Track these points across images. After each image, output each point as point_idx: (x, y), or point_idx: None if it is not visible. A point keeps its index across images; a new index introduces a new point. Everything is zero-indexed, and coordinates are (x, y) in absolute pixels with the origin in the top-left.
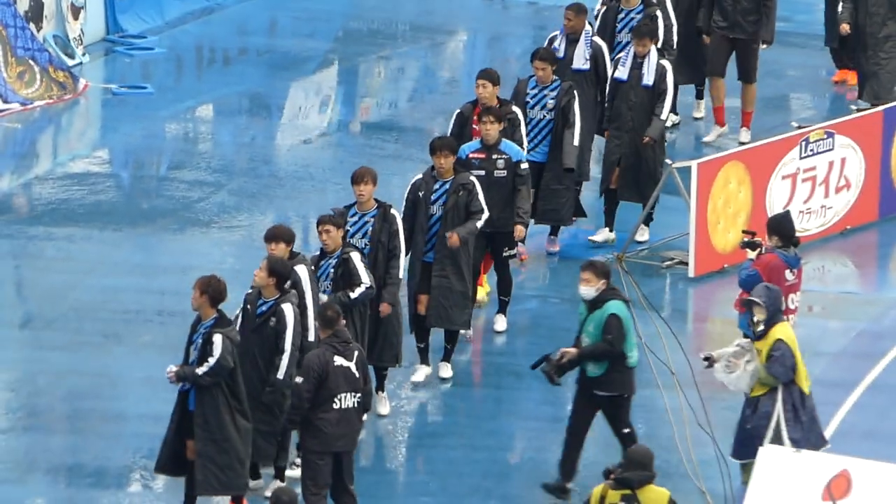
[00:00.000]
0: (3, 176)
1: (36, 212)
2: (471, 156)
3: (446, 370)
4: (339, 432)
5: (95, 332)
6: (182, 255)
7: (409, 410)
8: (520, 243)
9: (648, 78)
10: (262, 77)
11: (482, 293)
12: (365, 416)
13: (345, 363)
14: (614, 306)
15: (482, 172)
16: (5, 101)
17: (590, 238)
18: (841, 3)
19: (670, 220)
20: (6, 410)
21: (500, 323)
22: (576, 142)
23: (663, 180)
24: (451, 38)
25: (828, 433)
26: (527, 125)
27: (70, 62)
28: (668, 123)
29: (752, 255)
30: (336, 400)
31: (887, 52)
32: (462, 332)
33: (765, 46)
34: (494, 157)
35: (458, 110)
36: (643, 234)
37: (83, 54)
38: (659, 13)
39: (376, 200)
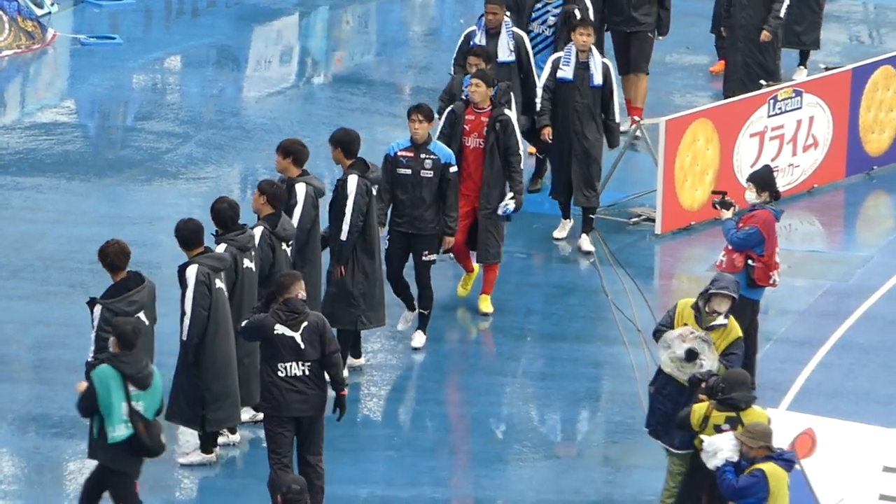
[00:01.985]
0: None
1: (3, 161)
2: (399, 154)
3: (420, 339)
4: (288, 399)
5: (62, 281)
6: (149, 206)
7: (374, 364)
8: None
9: (597, 78)
10: (231, 29)
11: (489, 304)
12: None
13: (288, 332)
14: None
15: (409, 171)
16: None
17: (554, 234)
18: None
19: (638, 176)
20: None
21: (419, 339)
22: (520, 145)
23: (629, 138)
24: None
25: (792, 392)
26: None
27: (39, 12)
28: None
29: (727, 214)
30: (280, 367)
31: (765, 45)
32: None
33: (660, 38)
34: (423, 156)
35: (451, 108)
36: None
37: (52, 4)
38: (577, 10)
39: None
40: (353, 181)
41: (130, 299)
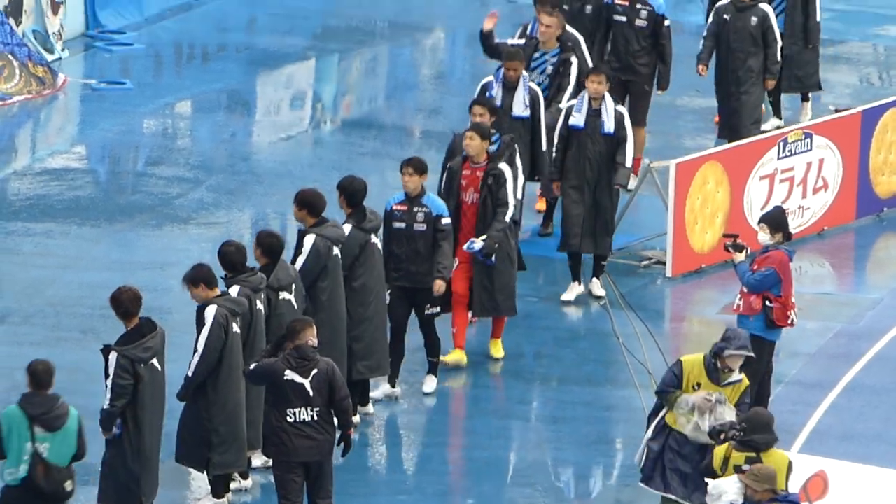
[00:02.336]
0: None
1: (14, 207)
2: (394, 207)
3: (431, 384)
4: (297, 444)
5: (73, 327)
6: (160, 252)
7: (385, 408)
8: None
9: (609, 125)
10: (241, 74)
11: (460, 355)
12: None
13: (297, 379)
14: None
15: (402, 225)
16: None
17: (562, 297)
18: (701, 41)
19: (648, 219)
20: None
21: (430, 384)
22: (520, 195)
23: (640, 180)
24: (429, 36)
25: (804, 434)
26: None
27: (49, 57)
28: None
29: (740, 257)
30: (290, 413)
31: (747, 89)
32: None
33: (660, 92)
34: (416, 209)
35: (449, 164)
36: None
37: (62, 49)
38: (574, 58)
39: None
40: (309, 240)
41: (145, 346)
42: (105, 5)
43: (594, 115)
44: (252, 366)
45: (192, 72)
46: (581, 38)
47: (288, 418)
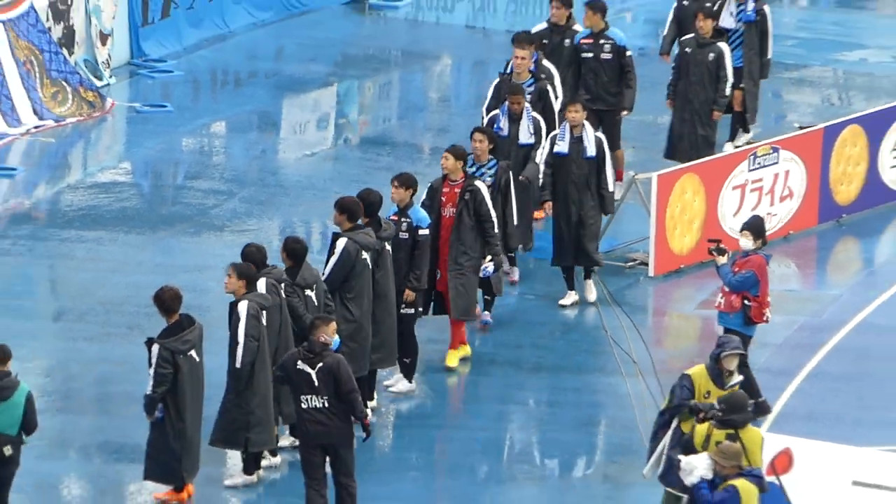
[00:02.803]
0: (39, 185)
1: (68, 217)
2: (390, 218)
3: (401, 384)
4: (312, 429)
5: (121, 324)
6: (198, 256)
7: (399, 396)
8: (514, 267)
9: (591, 150)
10: (270, 97)
11: (455, 358)
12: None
13: (306, 369)
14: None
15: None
16: (41, 118)
17: (560, 303)
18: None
19: (633, 225)
20: (42, 394)
21: (400, 384)
22: (515, 221)
23: (625, 190)
24: (437, 63)
25: (772, 415)
26: None
27: (98, 83)
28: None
29: (722, 260)
30: (302, 399)
31: (703, 119)
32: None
33: (626, 114)
34: (403, 220)
35: (431, 183)
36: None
37: (110, 76)
38: (550, 87)
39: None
40: (341, 243)
41: (184, 339)
42: (148, 37)
43: (576, 141)
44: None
45: (226, 96)
46: (555, 71)
47: (302, 404)
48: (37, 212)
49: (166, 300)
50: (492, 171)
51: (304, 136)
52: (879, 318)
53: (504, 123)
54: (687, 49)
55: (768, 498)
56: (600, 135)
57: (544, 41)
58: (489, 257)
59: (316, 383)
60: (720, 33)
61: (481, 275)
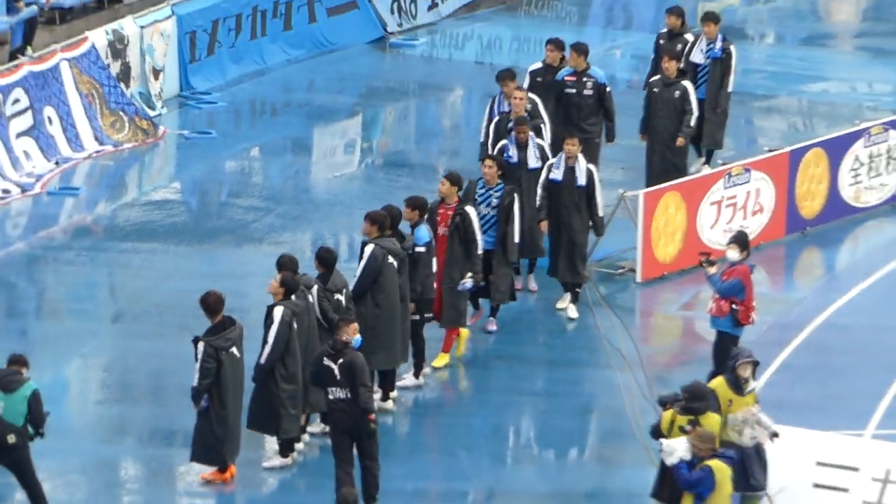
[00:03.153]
0: (99, 203)
1: (125, 231)
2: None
3: (408, 379)
4: (338, 417)
5: (172, 324)
6: (239, 265)
7: (414, 388)
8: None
9: (581, 180)
10: (302, 125)
11: (441, 361)
12: (390, 404)
13: (331, 364)
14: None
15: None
16: (101, 144)
17: (556, 305)
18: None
19: (622, 237)
20: (102, 386)
21: (407, 379)
22: (517, 238)
23: (615, 207)
24: (450, 94)
25: None
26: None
27: (152, 113)
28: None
29: (712, 270)
30: (329, 391)
31: (672, 149)
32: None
33: (610, 143)
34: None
35: (430, 204)
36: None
37: (162, 107)
38: (542, 125)
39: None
40: (369, 248)
41: (226, 336)
42: (195, 72)
43: (569, 171)
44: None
45: (264, 124)
46: (538, 99)
47: (329, 396)
48: (97, 226)
49: (211, 303)
50: (499, 194)
51: (332, 158)
52: (840, 317)
53: (513, 151)
54: (655, 89)
55: None
56: (592, 167)
57: (538, 78)
58: (469, 274)
59: (338, 377)
60: (683, 73)
61: (459, 288)
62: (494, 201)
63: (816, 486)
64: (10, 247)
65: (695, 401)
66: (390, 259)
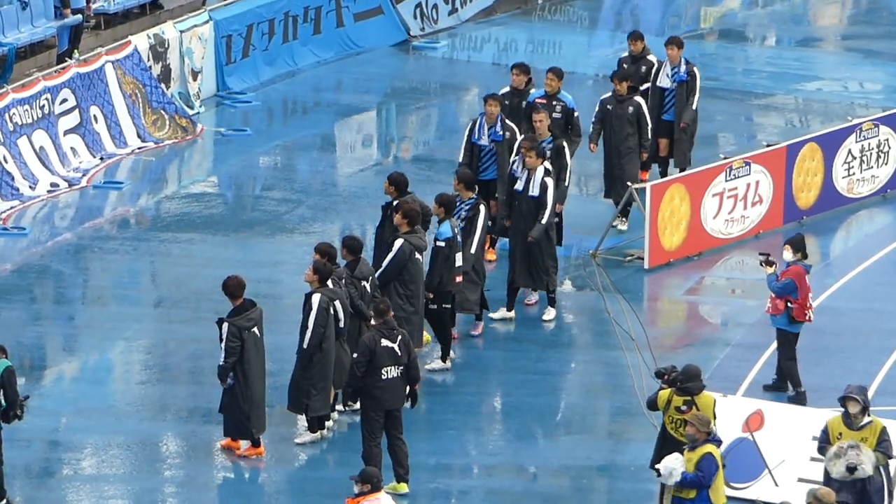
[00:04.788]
0: (142, 196)
1: (165, 221)
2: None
3: (436, 363)
4: (386, 396)
5: (210, 310)
6: (273, 254)
7: (436, 369)
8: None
9: (534, 191)
10: (331, 122)
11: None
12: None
13: (389, 344)
14: None
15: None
16: (143, 141)
17: (490, 315)
18: (591, 125)
19: (631, 226)
20: (144, 368)
21: (435, 363)
22: (473, 249)
23: (625, 198)
24: (469, 94)
25: (746, 382)
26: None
27: (190, 112)
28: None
29: (769, 270)
30: (383, 371)
31: (626, 161)
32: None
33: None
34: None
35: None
36: (623, 225)
37: (200, 106)
38: (565, 143)
39: None
40: (398, 243)
41: (248, 317)
42: (231, 73)
43: (527, 182)
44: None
45: (295, 121)
46: (516, 128)
47: (382, 377)
48: (140, 218)
49: (231, 287)
50: (468, 207)
51: (358, 154)
52: (834, 301)
53: (521, 175)
54: (608, 106)
55: (744, 450)
56: (548, 180)
57: (506, 101)
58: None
59: (399, 354)
60: (634, 90)
61: None
62: (464, 213)
63: (813, 459)
64: (58, 237)
65: (689, 381)
66: (417, 255)
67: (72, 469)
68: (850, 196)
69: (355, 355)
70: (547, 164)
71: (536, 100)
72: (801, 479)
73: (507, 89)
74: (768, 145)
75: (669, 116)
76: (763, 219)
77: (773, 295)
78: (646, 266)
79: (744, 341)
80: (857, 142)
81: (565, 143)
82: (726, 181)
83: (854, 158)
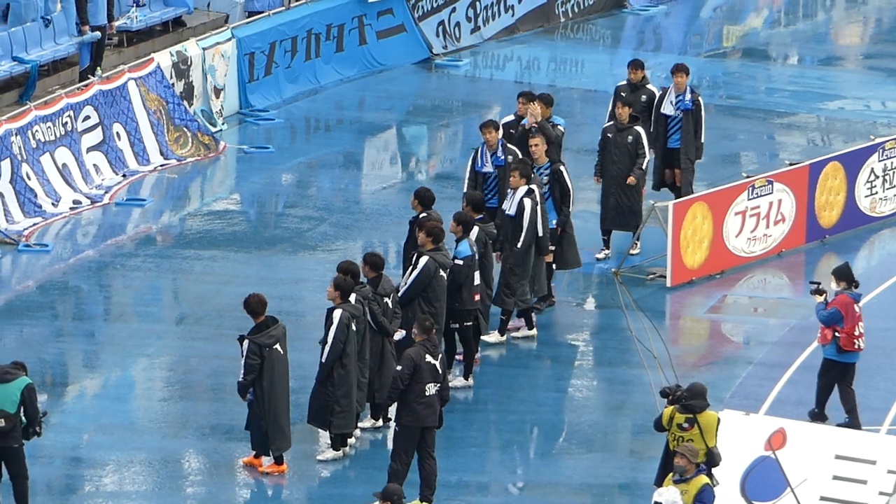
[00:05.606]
0: (164, 213)
1: (188, 238)
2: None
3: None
4: (427, 412)
5: (232, 327)
6: (295, 271)
7: (459, 387)
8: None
9: (511, 210)
10: (353, 140)
11: None
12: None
13: (432, 361)
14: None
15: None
16: (166, 158)
17: (483, 338)
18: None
19: (653, 245)
20: (166, 384)
21: (457, 381)
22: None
23: (647, 217)
24: (490, 111)
25: (768, 401)
26: None
27: (213, 129)
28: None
29: (819, 299)
30: (427, 389)
31: (627, 190)
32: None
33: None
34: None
35: None
36: (635, 249)
37: (223, 123)
38: (562, 167)
39: None
40: (423, 260)
41: (269, 334)
42: (254, 91)
43: (510, 201)
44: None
45: (318, 139)
46: (518, 152)
47: (426, 393)
48: (162, 235)
49: (252, 304)
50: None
51: (381, 171)
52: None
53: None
54: (609, 134)
55: (766, 469)
56: (527, 201)
57: (511, 130)
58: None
59: (439, 371)
60: (636, 119)
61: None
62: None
63: (836, 478)
64: (80, 254)
65: (693, 398)
66: (441, 272)
67: (94, 486)
68: (872, 215)
69: (399, 368)
70: (533, 186)
71: (531, 125)
72: (823, 498)
73: (511, 117)
74: (791, 164)
75: (674, 144)
76: (785, 237)
77: (821, 324)
78: (668, 284)
79: (766, 360)
80: (879, 160)
81: (563, 168)
82: (749, 199)
83: (877, 177)
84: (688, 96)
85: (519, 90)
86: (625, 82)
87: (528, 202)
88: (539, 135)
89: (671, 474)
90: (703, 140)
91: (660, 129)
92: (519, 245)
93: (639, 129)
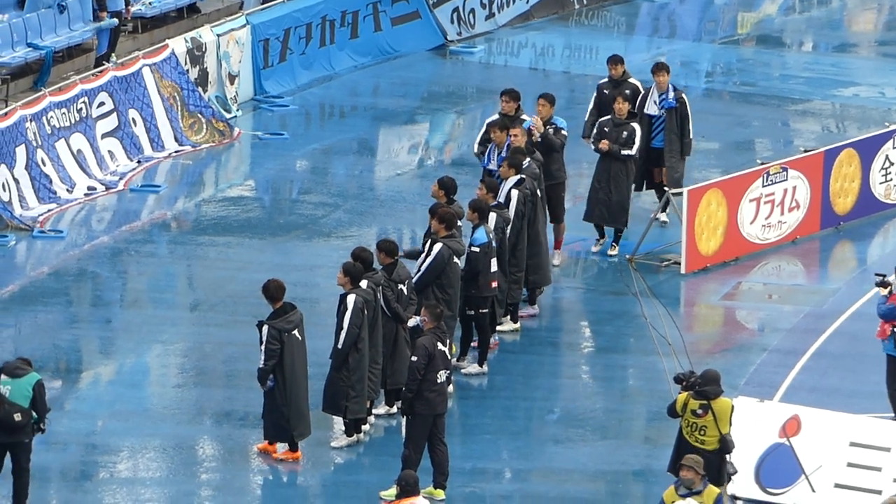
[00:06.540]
0: (179, 199)
1: (202, 225)
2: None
3: (471, 367)
4: (438, 399)
5: (246, 313)
6: (309, 258)
7: (473, 372)
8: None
9: (500, 198)
10: (368, 126)
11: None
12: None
13: (443, 348)
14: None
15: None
16: (180, 144)
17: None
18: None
19: (668, 231)
20: (181, 371)
21: (471, 367)
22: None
23: (663, 205)
24: None
25: (783, 388)
26: None
27: (227, 115)
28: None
29: (884, 291)
30: (438, 376)
31: (618, 186)
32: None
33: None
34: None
35: None
36: (613, 251)
37: (237, 110)
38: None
39: None
40: (437, 247)
41: (288, 319)
42: (268, 77)
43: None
44: (415, 357)
45: (332, 125)
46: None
47: (438, 379)
48: (177, 221)
49: (271, 289)
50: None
51: (396, 158)
52: (871, 307)
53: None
54: (605, 128)
55: (780, 456)
56: (515, 191)
57: (497, 129)
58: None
59: (449, 357)
60: (633, 115)
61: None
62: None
63: (850, 465)
64: (95, 240)
65: (707, 385)
66: (455, 259)
67: (108, 472)
68: (887, 202)
69: (414, 358)
70: (524, 176)
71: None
72: (837, 485)
73: (495, 116)
74: (805, 151)
75: (658, 143)
76: (800, 224)
77: (881, 319)
78: (682, 271)
79: (781, 347)
80: (894, 147)
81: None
82: (763, 186)
83: (891, 164)
84: (671, 94)
85: (533, 77)
86: (606, 79)
87: (515, 193)
88: (519, 125)
89: (674, 488)
90: (691, 136)
91: (643, 129)
92: (507, 235)
93: (635, 125)
